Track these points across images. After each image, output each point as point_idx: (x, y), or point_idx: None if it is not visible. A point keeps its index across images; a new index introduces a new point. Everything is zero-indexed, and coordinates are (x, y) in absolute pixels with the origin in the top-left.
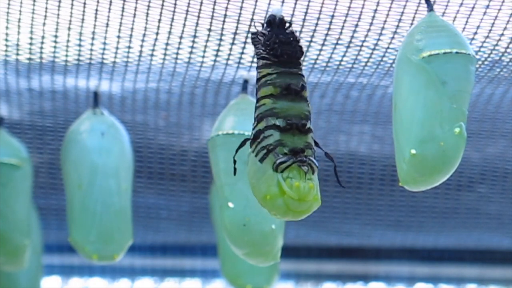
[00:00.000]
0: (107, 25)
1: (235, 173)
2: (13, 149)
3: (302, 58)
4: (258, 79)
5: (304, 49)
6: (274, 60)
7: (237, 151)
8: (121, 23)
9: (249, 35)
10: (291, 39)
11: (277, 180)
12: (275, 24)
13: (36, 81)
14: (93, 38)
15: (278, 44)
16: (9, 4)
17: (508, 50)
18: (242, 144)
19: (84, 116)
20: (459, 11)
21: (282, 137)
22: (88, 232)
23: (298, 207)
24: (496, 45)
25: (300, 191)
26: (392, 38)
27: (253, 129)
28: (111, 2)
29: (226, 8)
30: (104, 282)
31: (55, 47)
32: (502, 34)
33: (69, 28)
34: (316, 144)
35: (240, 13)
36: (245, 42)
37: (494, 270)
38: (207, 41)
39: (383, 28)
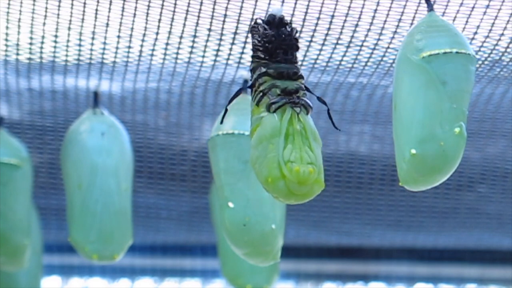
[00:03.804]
0: (107, 25)
1: (223, 120)
2: (13, 149)
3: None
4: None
5: (302, 50)
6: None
7: (230, 101)
8: (121, 23)
9: (249, 35)
10: (286, 38)
11: (278, 163)
12: (275, 23)
13: (36, 81)
14: (93, 38)
15: (273, 44)
16: (9, 4)
17: (508, 50)
18: (238, 93)
19: (84, 116)
20: (459, 11)
21: (275, 81)
22: (88, 232)
23: (299, 190)
24: (496, 45)
25: (299, 176)
26: (392, 38)
27: (250, 80)
28: (111, 2)
29: (226, 8)
30: (104, 282)
31: (55, 47)
32: (502, 34)
33: (69, 28)
34: (307, 89)
35: (240, 13)
36: (245, 42)
37: (494, 270)
38: (207, 41)
39: (383, 28)
